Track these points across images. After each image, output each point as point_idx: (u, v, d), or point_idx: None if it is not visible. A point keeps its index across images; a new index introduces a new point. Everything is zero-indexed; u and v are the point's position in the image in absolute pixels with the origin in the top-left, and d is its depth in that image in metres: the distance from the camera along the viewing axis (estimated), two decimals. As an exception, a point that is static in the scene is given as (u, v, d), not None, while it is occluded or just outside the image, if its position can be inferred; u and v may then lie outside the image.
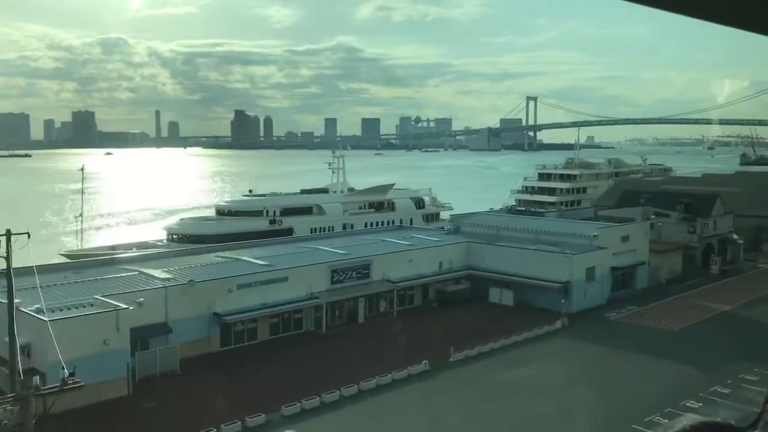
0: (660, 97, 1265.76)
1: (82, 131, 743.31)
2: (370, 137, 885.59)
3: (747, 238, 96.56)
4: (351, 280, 58.62)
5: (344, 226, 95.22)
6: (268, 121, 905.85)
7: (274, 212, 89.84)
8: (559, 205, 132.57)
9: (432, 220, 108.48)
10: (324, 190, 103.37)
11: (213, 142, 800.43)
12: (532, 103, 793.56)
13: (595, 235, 67.23)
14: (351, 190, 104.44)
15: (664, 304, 67.00)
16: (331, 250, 63.03)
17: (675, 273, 78.38)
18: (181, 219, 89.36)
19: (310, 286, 55.56)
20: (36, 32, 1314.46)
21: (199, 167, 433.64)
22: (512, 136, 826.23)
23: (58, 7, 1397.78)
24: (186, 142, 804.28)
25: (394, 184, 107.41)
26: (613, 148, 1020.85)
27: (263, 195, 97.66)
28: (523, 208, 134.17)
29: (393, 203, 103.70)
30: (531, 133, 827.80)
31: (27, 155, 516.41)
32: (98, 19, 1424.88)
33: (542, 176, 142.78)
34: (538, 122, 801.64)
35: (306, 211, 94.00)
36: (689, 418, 1.75)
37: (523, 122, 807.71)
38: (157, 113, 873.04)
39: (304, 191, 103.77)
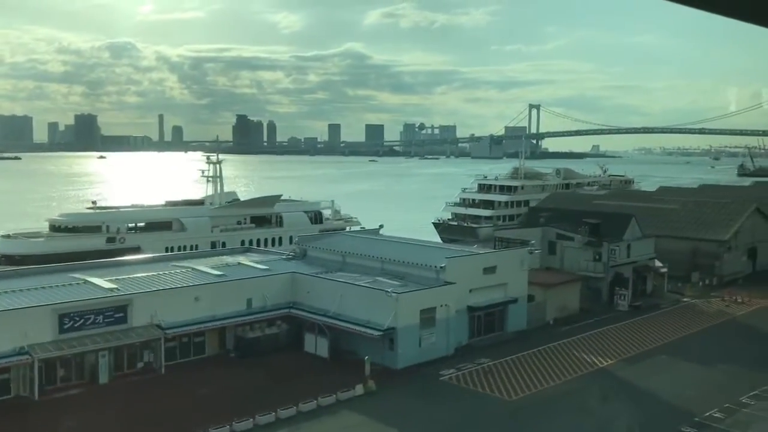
0: (670, 107, 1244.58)
1: (84, 134, 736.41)
2: (374, 143, 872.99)
3: (679, 264, 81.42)
4: (95, 326, 44.28)
5: (213, 245, 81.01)
6: (272, 126, 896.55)
7: (117, 229, 75.72)
8: (496, 219, 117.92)
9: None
10: (200, 202, 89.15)
11: (215, 147, 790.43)
12: (535, 111, 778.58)
13: (441, 267, 52.38)
14: (232, 201, 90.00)
15: (529, 355, 52.00)
16: (98, 282, 48.75)
17: (569, 311, 63.35)
18: (2, 235, 75.53)
19: (26, 335, 41.40)
20: (45, 35, 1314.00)
21: (189, 171, 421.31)
22: (516, 144, 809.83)
23: (67, 11, 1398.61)
24: (188, 146, 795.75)
25: (280, 195, 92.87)
26: (619, 157, 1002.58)
27: (107, 208, 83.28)
28: (456, 224, 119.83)
29: (281, 217, 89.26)
30: (534, 141, 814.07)
31: (16, 158, 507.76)
32: (107, 23, 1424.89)
33: (482, 187, 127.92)
34: (544, 130, 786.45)
35: (162, 226, 79.80)
36: None
37: (527, 130, 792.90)
38: (161, 117, 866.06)
39: (169, 203, 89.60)
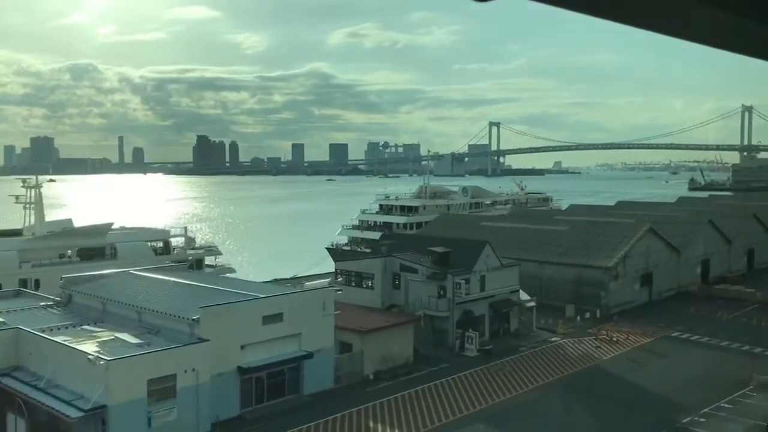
0: (630, 123, 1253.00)
1: (41, 157, 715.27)
2: (338, 163, 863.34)
3: (564, 294, 70.89)
4: None
5: (24, 283, 68.43)
6: (234, 147, 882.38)
7: None
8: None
9: (184, 269, 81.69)
10: (16, 232, 76.47)
11: (175, 169, 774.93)
12: (495, 129, 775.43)
13: (194, 319, 40.54)
14: (63, 231, 77.27)
15: (313, 428, 40.41)
16: None
17: (399, 360, 51.82)
18: None
19: None
20: (3, 57, 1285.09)
21: (137, 193, 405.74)
22: (478, 162, 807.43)
23: (25, 32, 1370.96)
24: (147, 168, 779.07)
25: (112, 224, 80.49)
26: (579, 173, 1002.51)
27: None
28: (349, 249, 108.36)
29: (116, 248, 76.93)
30: (497, 158, 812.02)
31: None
32: (67, 44, 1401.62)
33: (382, 208, 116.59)
34: (507, 147, 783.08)
35: (-46, 262, 67.23)
36: None
37: (489, 148, 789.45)
38: (120, 139, 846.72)
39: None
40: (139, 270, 56.15)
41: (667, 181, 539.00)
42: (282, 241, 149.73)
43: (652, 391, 47.94)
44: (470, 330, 55.87)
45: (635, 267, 75.29)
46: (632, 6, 2.14)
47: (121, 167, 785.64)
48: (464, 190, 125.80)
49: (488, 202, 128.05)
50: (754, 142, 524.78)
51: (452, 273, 56.50)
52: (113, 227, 79.73)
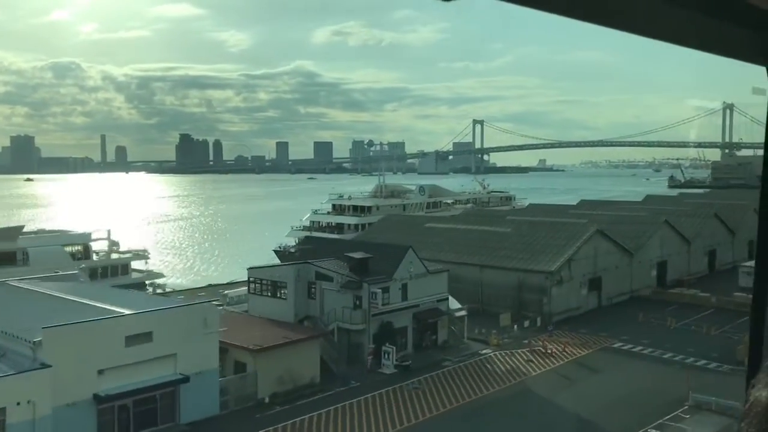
0: (615, 121, 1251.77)
1: (21, 156, 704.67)
2: (322, 161, 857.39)
3: (506, 301, 65.92)
4: None
5: None
6: (218, 145, 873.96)
7: None
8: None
9: (106, 275, 76.13)
10: None
11: (158, 167, 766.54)
12: (479, 127, 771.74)
13: (36, 342, 35.04)
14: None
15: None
16: None
17: (301, 381, 46.41)
18: None
19: None
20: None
21: (112, 192, 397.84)
22: (463, 160, 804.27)
23: (6, 31, 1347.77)
24: (129, 167, 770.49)
25: (23, 226, 74.73)
26: (563, 171, 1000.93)
27: None
28: (296, 251, 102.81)
29: (27, 253, 71.18)
30: (483, 156, 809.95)
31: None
32: (48, 42, 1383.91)
33: (335, 208, 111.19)
34: (491, 145, 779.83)
35: None
36: None
37: (474, 146, 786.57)
38: (103, 138, 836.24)
39: None
40: (17, 280, 50.45)
41: (648, 179, 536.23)
42: (239, 241, 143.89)
43: (574, 414, 42.89)
44: (387, 344, 50.56)
45: (582, 271, 70.30)
46: (604, 7, 2.15)
47: (103, 166, 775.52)
48: (421, 189, 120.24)
49: (449, 202, 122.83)
50: (735, 139, 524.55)
51: (368, 281, 51.16)
52: (25, 230, 73.89)
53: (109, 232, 79.22)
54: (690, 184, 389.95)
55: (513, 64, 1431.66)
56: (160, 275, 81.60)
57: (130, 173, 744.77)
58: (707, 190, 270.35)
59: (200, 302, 42.04)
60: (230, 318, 50.10)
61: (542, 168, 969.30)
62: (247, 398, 43.32)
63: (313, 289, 53.79)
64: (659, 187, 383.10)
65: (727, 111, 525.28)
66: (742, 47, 2.53)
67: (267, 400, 43.86)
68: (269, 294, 54.74)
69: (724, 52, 2.55)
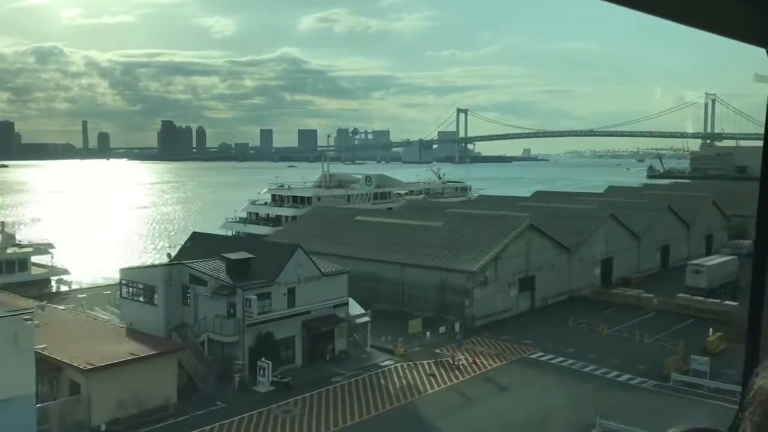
0: (600, 110, 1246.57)
1: (1, 143, 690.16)
2: (307, 149, 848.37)
3: (428, 304, 59.61)
4: None
5: None
6: (201, 132, 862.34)
7: None
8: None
9: (0, 272, 69.04)
10: None
11: (140, 154, 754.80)
12: (462, 116, 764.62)
13: None
14: None
15: None
16: None
17: (158, 402, 39.76)
18: None
19: None
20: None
21: (84, 179, 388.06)
22: (448, 149, 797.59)
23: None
24: (111, 153, 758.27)
25: None
26: (547, 160, 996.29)
27: None
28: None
29: None
30: (468, 145, 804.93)
31: None
32: (29, 27, 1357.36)
33: (275, 199, 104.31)
34: (475, 134, 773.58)
35: None
36: (678, 427, 1.70)
37: (458, 135, 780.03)
38: (84, 124, 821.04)
39: None
40: None
41: (628, 169, 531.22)
42: (181, 232, 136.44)
43: (458, 446, 36.53)
44: (263, 359, 43.92)
45: (511, 270, 63.88)
46: None
47: (85, 152, 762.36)
48: (367, 179, 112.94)
49: (400, 192, 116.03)
50: (717, 130, 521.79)
51: (242, 286, 44.42)
52: None
53: (2, 224, 72.08)
54: (669, 174, 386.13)
55: (500, 53, 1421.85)
56: (65, 271, 74.62)
57: (111, 160, 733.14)
58: (676, 181, 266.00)
59: (8, 315, 35.20)
60: (84, 326, 43.37)
61: (526, 157, 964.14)
62: (77, 426, 36.62)
63: (188, 294, 47.06)
64: (639, 177, 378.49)
65: (709, 102, 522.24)
66: (742, 26, 2.40)
67: (103, 427, 37.15)
68: (143, 299, 47.99)
69: (723, 31, 2.42)
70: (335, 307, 49.55)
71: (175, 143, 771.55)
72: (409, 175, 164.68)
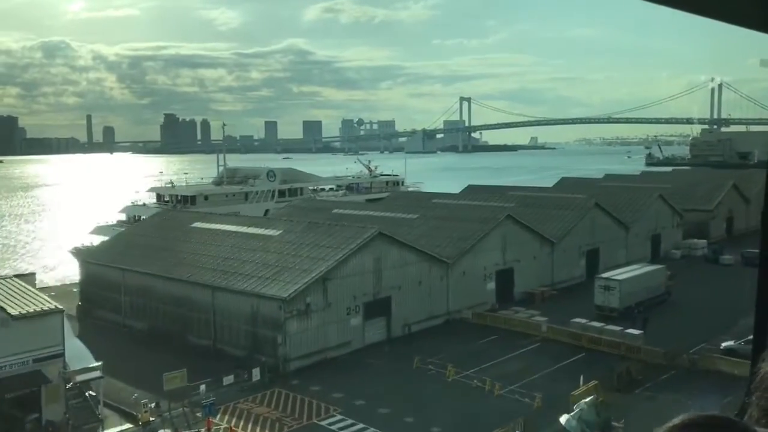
0: (610, 98, 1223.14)
1: (4, 137, 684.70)
2: (311, 140, 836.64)
3: (240, 340, 45.77)
4: None
5: None
6: (206, 125, 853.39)
7: None
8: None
9: None
10: None
11: (137, 147, 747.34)
12: (466, 104, 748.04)
13: None
14: None
15: None
16: None
17: None
18: None
19: None
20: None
21: (74, 174, 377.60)
22: (453, 138, 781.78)
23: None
24: (115, 147, 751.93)
25: None
26: (554, 149, 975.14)
27: None
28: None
29: None
30: (474, 134, 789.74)
31: None
32: (36, 21, 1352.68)
33: (159, 198, 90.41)
34: (481, 123, 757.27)
35: None
36: (688, 413, 1.69)
37: (465, 124, 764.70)
38: (89, 118, 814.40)
39: None
40: None
41: (629, 156, 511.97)
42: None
43: None
44: None
45: (353, 291, 49.44)
46: None
47: (89, 147, 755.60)
48: (270, 173, 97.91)
49: (312, 188, 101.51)
50: (724, 115, 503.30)
51: None
52: None
53: None
54: (669, 161, 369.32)
55: (507, 41, 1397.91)
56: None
57: (115, 154, 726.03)
58: (675, 168, 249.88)
59: None
60: None
61: (533, 146, 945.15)
62: None
63: None
64: (639, 164, 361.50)
65: (716, 87, 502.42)
66: (748, 13, 2.39)
67: None
68: None
69: (728, 18, 2.39)
70: (40, 361, 35.49)
71: (179, 136, 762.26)
72: (383, 165, 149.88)
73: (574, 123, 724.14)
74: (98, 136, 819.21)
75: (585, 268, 72.15)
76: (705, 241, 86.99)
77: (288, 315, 45.15)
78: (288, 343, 45.18)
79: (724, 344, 48.26)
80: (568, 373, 45.06)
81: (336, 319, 48.01)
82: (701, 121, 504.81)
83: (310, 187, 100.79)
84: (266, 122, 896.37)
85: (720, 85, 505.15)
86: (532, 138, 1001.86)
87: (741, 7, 2.30)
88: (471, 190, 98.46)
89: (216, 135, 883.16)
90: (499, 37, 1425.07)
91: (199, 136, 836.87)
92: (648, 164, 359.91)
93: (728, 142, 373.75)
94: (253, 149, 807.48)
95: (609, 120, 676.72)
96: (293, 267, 48.30)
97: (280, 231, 54.93)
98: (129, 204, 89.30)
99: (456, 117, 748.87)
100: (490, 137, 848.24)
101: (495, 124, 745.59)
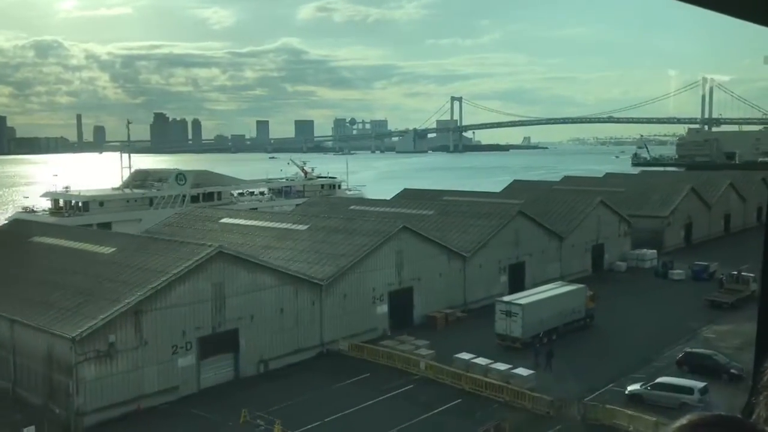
0: (604, 97, 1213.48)
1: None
2: (303, 140, 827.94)
3: (33, 384, 36.62)
4: None
5: None
6: (197, 124, 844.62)
7: None
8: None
9: None
10: None
11: (131, 147, 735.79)
12: (457, 104, 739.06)
13: None
14: None
15: None
16: None
17: None
18: None
19: None
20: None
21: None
22: (445, 138, 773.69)
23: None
24: (105, 147, 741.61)
25: None
26: (546, 148, 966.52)
27: None
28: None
29: None
30: (466, 133, 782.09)
31: None
32: (27, 20, 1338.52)
33: (55, 204, 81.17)
34: (473, 123, 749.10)
35: None
36: (695, 413, 1.68)
37: (453, 124, 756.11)
38: (79, 117, 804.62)
39: None
40: None
41: (617, 156, 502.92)
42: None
43: None
44: None
45: (181, 326, 40.14)
46: None
47: (79, 146, 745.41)
48: (179, 176, 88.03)
49: (233, 193, 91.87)
50: (715, 115, 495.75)
51: None
52: None
53: None
54: (656, 162, 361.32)
55: (501, 41, 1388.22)
56: None
57: (104, 153, 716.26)
58: (673, 169, 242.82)
59: None
60: None
61: (526, 146, 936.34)
62: None
63: None
64: (625, 165, 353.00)
65: (706, 87, 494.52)
66: (750, 5, 2.35)
67: None
68: None
69: (730, 10, 2.34)
70: None
71: (168, 135, 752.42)
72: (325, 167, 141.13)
73: (565, 123, 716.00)
74: (90, 136, 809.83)
75: (507, 284, 62.94)
76: (655, 251, 77.81)
77: (82, 357, 35.91)
78: (83, 392, 35.92)
79: (630, 388, 39.26)
80: (432, 429, 36.08)
81: (156, 360, 38.73)
82: (692, 121, 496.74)
83: (232, 191, 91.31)
84: (258, 122, 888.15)
85: (711, 86, 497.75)
86: (525, 138, 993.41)
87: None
88: (404, 195, 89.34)
89: (207, 134, 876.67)
90: (493, 36, 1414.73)
91: (190, 136, 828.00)
92: (634, 165, 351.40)
93: (715, 142, 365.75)
94: (244, 149, 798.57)
95: (599, 120, 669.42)
96: (103, 295, 39.06)
97: (113, 249, 45.62)
98: (20, 210, 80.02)
99: (446, 116, 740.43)
100: (484, 137, 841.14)
101: (485, 124, 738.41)
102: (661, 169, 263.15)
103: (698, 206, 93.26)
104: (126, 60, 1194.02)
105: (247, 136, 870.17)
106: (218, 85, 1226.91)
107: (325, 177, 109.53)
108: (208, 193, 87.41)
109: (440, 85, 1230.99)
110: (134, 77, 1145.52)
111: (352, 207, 72.91)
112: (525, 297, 49.45)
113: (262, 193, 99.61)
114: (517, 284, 62.62)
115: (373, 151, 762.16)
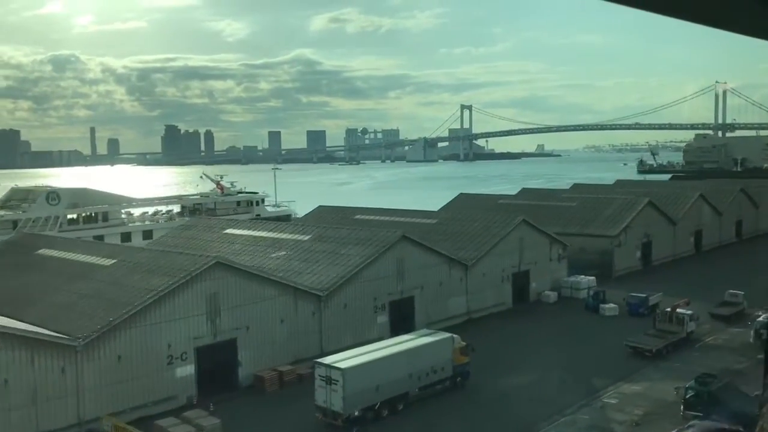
0: (619, 104, 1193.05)
1: (6, 151, 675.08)
2: (314, 150, 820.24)
3: None
4: None
5: None
6: (209, 136, 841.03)
7: None
8: None
9: None
10: None
11: (142, 159, 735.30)
12: (467, 112, 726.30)
13: None
14: None
15: None
16: None
17: None
18: None
19: None
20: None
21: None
22: (456, 146, 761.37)
23: (0, 24, 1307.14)
24: (117, 159, 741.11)
25: None
26: (559, 156, 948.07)
27: None
28: None
29: None
30: (477, 141, 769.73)
31: None
32: (45, 35, 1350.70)
33: None
34: (487, 131, 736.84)
35: None
36: (698, 425, 1.70)
37: (463, 132, 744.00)
38: (92, 130, 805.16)
39: None
40: None
41: (626, 164, 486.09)
42: None
43: None
44: None
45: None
46: None
47: (92, 159, 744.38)
48: (51, 195, 75.27)
49: (122, 214, 79.29)
50: (729, 120, 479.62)
51: None
52: None
53: None
54: (662, 168, 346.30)
55: (515, 48, 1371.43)
56: None
57: (116, 166, 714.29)
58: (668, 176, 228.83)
59: None
60: None
61: (539, 153, 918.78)
62: None
63: None
64: (633, 172, 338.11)
65: (721, 92, 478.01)
66: (753, 22, 2.25)
67: None
68: None
69: (732, 27, 2.25)
70: None
71: (181, 147, 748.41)
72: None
73: (576, 130, 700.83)
74: (104, 149, 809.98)
75: (389, 326, 50.25)
76: (593, 278, 64.46)
77: None
78: None
79: None
80: None
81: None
82: (705, 126, 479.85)
83: (123, 212, 79.48)
84: (270, 132, 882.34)
85: (724, 90, 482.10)
86: (538, 146, 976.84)
87: (748, 18, 2.17)
88: (317, 213, 77.03)
89: (221, 146, 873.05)
90: (506, 45, 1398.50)
91: (202, 147, 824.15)
92: (640, 172, 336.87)
93: (723, 147, 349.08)
94: (256, 160, 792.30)
95: (612, 126, 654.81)
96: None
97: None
98: None
99: (452, 125, 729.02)
100: (498, 145, 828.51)
101: (497, 132, 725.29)
102: (666, 176, 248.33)
103: (660, 222, 79.71)
104: (142, 73, 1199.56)
105: (260, 147, 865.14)
106: (233, 97, 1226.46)
107: (245, 192, 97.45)
108: (88, 216, 75.43)
109: (454, 93, 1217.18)
110: (150, 90, 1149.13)
111: (225, 231, 60.66)
112: (352, 357, 36.69)
113: (184, 208, 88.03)
114: (403, 325, 49.86)
115: (384, 161, 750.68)
